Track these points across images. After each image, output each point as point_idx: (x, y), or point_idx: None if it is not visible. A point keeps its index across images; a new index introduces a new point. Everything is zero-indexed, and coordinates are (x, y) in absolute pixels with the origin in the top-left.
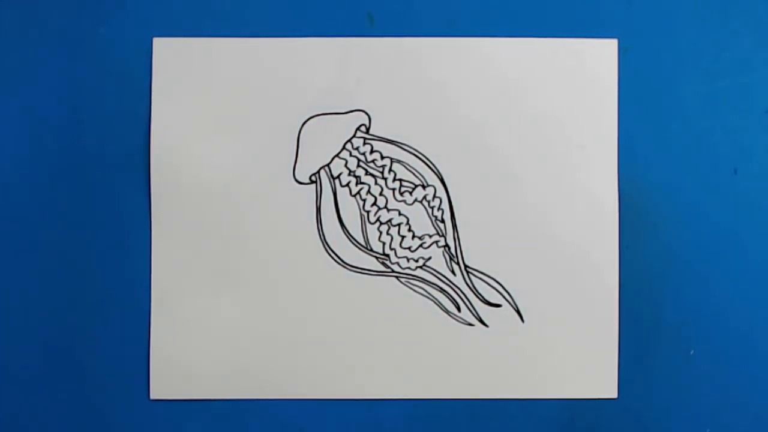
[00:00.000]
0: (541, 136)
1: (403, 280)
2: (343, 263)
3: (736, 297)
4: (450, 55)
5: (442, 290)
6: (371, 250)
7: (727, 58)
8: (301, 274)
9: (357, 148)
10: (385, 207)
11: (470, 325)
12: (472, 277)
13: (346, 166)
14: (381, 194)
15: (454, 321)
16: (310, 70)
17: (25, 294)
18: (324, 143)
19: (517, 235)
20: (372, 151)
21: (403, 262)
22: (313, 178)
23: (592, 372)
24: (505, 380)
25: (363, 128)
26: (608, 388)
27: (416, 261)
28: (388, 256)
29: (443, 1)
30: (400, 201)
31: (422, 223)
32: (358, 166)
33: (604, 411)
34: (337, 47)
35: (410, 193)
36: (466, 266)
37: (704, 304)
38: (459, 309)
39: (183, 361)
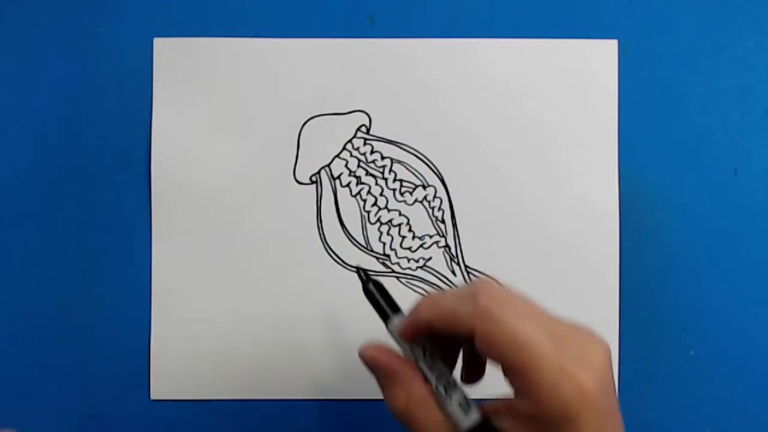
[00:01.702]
0: (541, 136)
1: (403, 280)
2: (344, 263)
3: (736, 297)
4: (450, 56)
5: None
6: (372, 250)
7: (727, 58)
8: (301, 275)
9: (357, 149)
10: (386, 207)
11: None
12: (472, 277)
13: (346, 166)
14: (381, 195)
15: None
16: (311, 71)
17: (25, 293)
18: (324, 143)
19: (518, 236)
20: (372, 152)
21: (404, 263)
22: (314, 179)
23: None
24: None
25: (363, 128)
26: None
27: (417, 261)
28: (388, 256)
29: (444, 3)
30: (400, 201)
31: (423, 224)
32: (359, 166)
33: None
34: (338, 48)
35: (411, 193)
36: (466, 266)
37: (704, 304)
38: None
39: (183, 361)
